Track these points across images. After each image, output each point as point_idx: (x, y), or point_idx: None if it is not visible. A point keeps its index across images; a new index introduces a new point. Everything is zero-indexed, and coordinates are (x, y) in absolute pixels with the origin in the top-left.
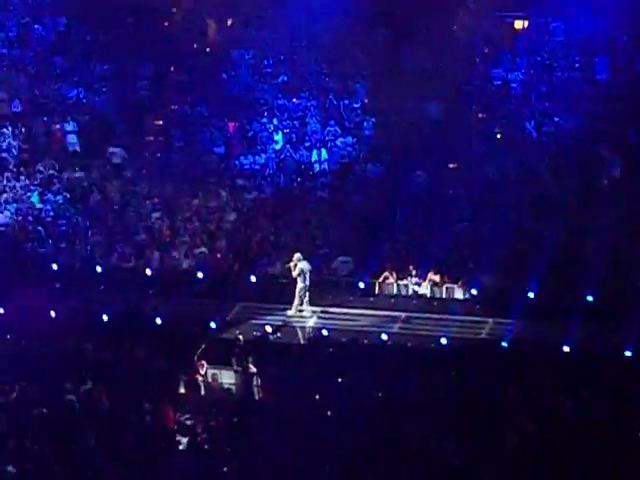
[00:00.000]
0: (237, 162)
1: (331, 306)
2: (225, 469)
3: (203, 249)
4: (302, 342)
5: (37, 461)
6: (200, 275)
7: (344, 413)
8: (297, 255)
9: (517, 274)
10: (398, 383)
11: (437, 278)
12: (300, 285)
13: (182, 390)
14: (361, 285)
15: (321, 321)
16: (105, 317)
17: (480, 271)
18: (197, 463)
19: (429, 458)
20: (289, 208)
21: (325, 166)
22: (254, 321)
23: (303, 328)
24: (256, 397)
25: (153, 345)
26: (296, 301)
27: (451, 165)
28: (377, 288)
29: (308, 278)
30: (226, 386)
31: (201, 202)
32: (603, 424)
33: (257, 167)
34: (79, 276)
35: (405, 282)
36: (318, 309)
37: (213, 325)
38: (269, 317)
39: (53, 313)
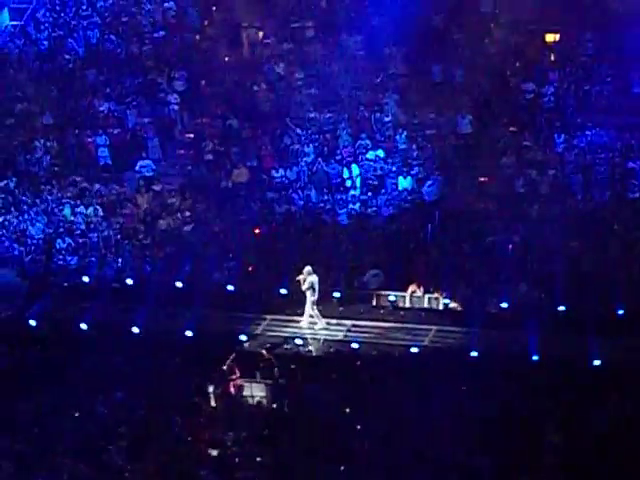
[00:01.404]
0: (268, 175)
1: (360, 319)
2: None
3: (233, 262)
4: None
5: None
6: (230, 288)
7: (375, 426)
8: (307, 268)
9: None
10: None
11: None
12: (310, 299)
13: (213, 403)
14: (391, 298)
15: (349, 334)
16: (136, 330)
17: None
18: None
19: (461, 474)
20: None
21: (357, 180)
22: (283, 334)
23: (326, 340)
24: (286, 410)
25: (184, 358)
26: (306, 314)
27: (482, 179)
28: (407, 301)
29: (317, 291)
30: (257, 399)
31: (231, 215)
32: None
33: (288, 180)
34: (110, 289)
35: (435, 296)
36: (336, 321)
37: (244, 338)
38: (296, 330)
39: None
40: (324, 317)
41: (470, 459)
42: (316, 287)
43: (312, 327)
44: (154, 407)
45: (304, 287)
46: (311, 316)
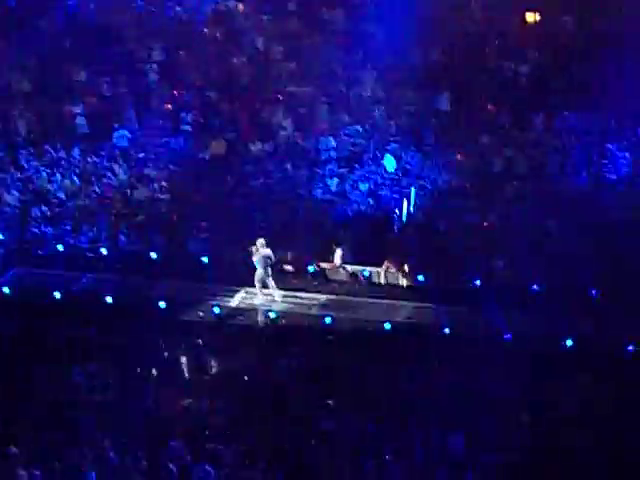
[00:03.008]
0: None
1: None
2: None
3: (209, 234)
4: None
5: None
6: (205, 259)
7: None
8: (260, 241)
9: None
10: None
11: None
12: (259, 271)
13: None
14: (366, 274)
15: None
16: (109, 299)
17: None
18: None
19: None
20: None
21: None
22: (257, 306)
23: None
24: (257, 382)
25: (157, 329)
26: (257, 286)
27: (458, 156)
28: (382, 277)
29: (270, 265)
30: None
31: (208, 187)
32: None
33: (265, 153)
34: (84, 258)
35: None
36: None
37: (217, 310)
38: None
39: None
40: (300, 291)
41: (443, 436)
42: (268, 260)
43: (268, 298)
44: (127, 377)
45: (254, 259)
46: (265, 287)
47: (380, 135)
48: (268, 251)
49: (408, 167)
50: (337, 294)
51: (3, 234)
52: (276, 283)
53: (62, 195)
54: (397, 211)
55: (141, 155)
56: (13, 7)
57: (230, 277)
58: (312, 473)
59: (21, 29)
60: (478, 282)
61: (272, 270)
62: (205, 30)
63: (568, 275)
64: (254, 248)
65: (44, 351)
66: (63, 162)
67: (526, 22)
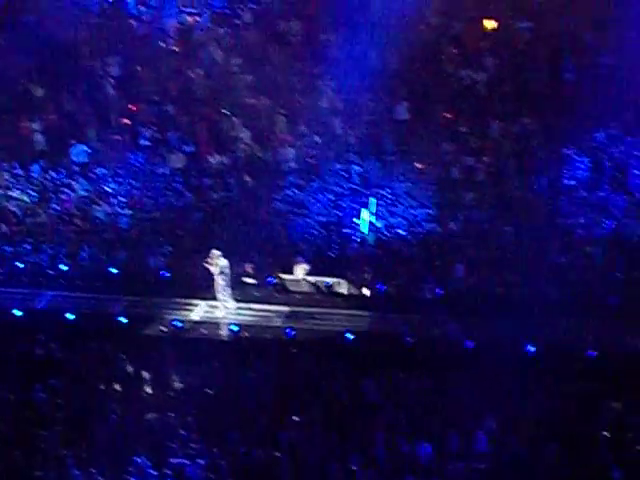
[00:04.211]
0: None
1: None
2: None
3: (169, 248)
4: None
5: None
6: (165, 273)
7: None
8: (216, 252)
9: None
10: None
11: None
12: (220, 282)
13: (149, 390)
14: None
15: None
16: (71, 316)
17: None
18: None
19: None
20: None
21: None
22: (217, 320)
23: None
24: (219, 395)
25: (118, 344)
26: (220, 298)
27: (418, 165)
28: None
29: (228, 275)
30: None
31: (167, 201)
32: None
33: (224, 166)
34: (44, 275)
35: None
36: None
37: (179, 324)
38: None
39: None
40: (261, 303)
41: (408, 444)
42: (226, 271)
43: (226, 311)
44: (89, 394)
45: (213, 270)
46: (225, 300)
47: (339, 145)
48: (224, 262)
49: (367, 177)
50: (299, 305)
51: None
52: (238, 295)
53: (20, 212)
54: (357, 221)
55: (100, 170)
56: None
57: (191, 290)
58: None
59: None
60: (438, 290)
61: (229, 281)
62: (162, 44)
63: (528, 281)
64: (210, 260)
65: (4, 369)
66: (21, 179)
67: (483, 29)
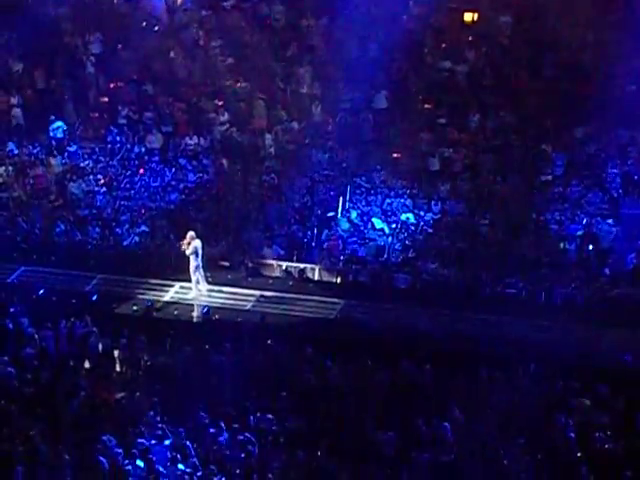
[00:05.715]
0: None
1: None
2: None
3: (144, 228)
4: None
5: None
6: (140, 253)
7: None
8: (191, 233)
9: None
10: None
11: None
12: (193, 264)
13: (118, 368)
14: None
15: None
16: (42, 291)
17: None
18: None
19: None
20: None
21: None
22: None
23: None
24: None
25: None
26: (193, 280)
27: (395, 155)
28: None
29: (201, 256)
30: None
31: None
32: None
33: (201, 148)
34: (18, 249)
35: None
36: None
37: (150, 304)
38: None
39: None
40: (233, 286)
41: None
42: (199, 252)
43: (200, 292)
44: (60, 370)
45: (187, 252)
46: (197, 282)
47: (317, 132)
48: (198, 242)
49: (344, 164)
50: (270, 290)
51: None
52: (210, 277)
53: None
54: (333, 209)
55: (76, 148)
56: None
57: (164, 271)
58: (245, 470)
59: None
60: (410, 280)
61: (202, 263)
62: (144, 23)
63: (501, 274)
64: (185, 242)
65: None
66: None
67: (464, 22)
